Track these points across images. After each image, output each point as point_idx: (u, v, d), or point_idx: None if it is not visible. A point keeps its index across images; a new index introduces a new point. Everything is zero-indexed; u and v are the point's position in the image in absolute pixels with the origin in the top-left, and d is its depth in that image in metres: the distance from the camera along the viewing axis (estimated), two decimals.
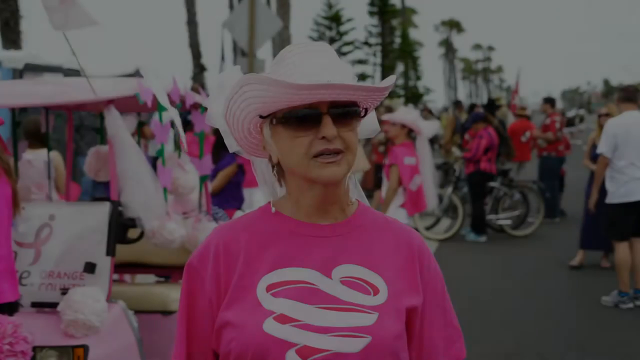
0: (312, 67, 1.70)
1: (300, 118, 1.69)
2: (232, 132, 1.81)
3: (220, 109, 1.80)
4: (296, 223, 1.78)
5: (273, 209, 1.81)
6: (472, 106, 19.94)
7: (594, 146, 9.47)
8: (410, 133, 7.92)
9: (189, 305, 1.80)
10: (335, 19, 41.46)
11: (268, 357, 1.66)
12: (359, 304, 1.70)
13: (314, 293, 1.70)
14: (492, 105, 15.84)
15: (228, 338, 1.71)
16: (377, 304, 1.71)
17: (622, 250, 8.04)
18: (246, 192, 8.53)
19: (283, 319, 1.67)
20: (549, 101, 15.19)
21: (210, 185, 7.49)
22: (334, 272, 1.73)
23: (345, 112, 1.71)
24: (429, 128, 8.16)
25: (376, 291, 1.73)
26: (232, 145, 1.86)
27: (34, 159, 6.44)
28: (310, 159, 1.70)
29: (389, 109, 14.64)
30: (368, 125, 1.88)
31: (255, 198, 8.83)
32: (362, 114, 1.78)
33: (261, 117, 1.75)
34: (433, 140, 19.26)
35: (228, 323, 1.72)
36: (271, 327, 1.67)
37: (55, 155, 7.33)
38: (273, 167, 1.81)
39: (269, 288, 1.71)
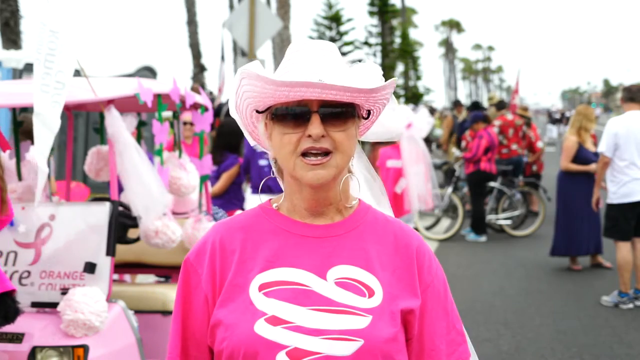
0: (306, 66, 1.70)
1: (289, 115, 1.70)
2: (244, 125, 1.83)
3: (233, 103, 1.82)
4: (292, 222, 1.78)
5: (274, 205, 1.81)
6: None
7: (581, 148, 9.39)
8: None
9: (184, 301, 1.80)
10: (335, 19, 41.37)
11: (258, 358, 1.66)
12: (353, 306, 1.69)
13: (307, 295, 1.69)
14: (476, 107, 16.18)
15: (220, 337, 1.72)
16: (371, 307, 1.70)
17: (624, 250, 8.03)
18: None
19: (274, 321, 1.67)
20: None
21: (215, 187, 7.50)
22: (329, 273, 1.72)
23: (337, 112, 1.70)
24: (421, 127, 8.06)
25: (371, 293, 1.71)
26: (249, 138, 1.87)
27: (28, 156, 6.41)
28: (297, 157, 1.70)
29: None
30: (388, 128, 1.88)
31: None
32: (365, 115, 1.77)
33: (258, 112, 1.76)
34: (430, 140, 19.27)
35: (221, 322, 1.72)
36: (262, 328, 1.66)
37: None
38: (274, 163, 1.82)
39: (261, 287, 1.71)
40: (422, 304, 1.77)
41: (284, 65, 1.75)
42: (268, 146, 1.78)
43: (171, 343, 1.82)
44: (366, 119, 1.79)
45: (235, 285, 1.73)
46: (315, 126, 1.67)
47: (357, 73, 1.76)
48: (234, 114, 1.84)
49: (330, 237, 1.76)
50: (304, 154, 1.69)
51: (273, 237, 1.77)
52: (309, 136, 1.68)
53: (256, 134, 1.84)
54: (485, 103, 37.24)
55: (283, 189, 1.83)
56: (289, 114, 1.69)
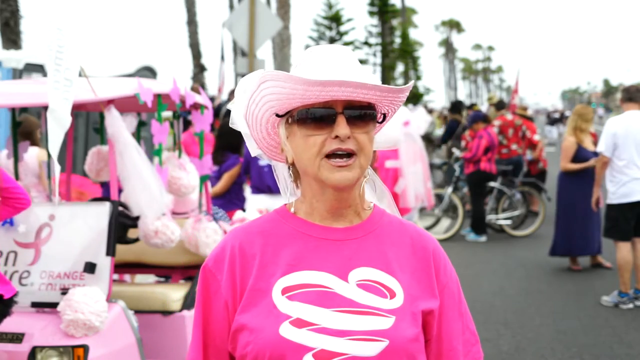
0: (329, 66, 1.71)
1: (314, 117, 1.70)
2: (252, 133, 1.82)
3: (241, 111, 1.81)
4: (311, 226, 1.78)
5: (292, 210, 1.81)
6: (471, 106, 19.95)
7: (580, 148, 9.38)
8: None
9: (204, 308, 1.80)
10: (335, 19, 41.42)
11: None
12: (376, 307, 1.70)
13: (330, 296, 1.70)
14: (457, 107, 16.41)
15: (244, 342, 1.72)
16: (393, 308, 1.71)
17: (624, 250, 8.03)
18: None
19: (299, 323, 1.67)
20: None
21: (216, 187, 7.50)
22: (350, 275, 1.73)
23: (361, 114, 1.71)
24: (419, 125, 8.08)
25: (392, 294, 1.73)
26: (253, 148, 1.87)
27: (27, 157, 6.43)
28: (322, 159, 1.70)
29: None
30: (388, 136, 1.88)
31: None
32: (380, 119, 1.78)
33: (278, 115, 1.75)
34: (432, 140, 19.25)
35: (244, 327, 1.72)
36: (287, 331, 1.67)
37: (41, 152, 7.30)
38: (289, 168, 1.82)
39: (284, 291, 1.71)
40: (439, 305, 1.79)
41: (301, 68, 1.74)
42: (288, 149, 1.77)
43: (191, 350, 1.82)
44: (380, 122, 1.80)
45: (257, 290, 1.73)
46: (342, 127, 1.68)
47: (369, 74, 1.77)
48: (240, 121, 1.83)
49: (349, 240, 1.77)
50: (328, 156, 1.70)
51: (293, 240, 1.77)
52: (336, 137, 1.68)
53: (266, 142, 1.83)
54: (484, 103, 37.21)
55: (299, 193, 1.83)
56: (314, 116, 1.70)
